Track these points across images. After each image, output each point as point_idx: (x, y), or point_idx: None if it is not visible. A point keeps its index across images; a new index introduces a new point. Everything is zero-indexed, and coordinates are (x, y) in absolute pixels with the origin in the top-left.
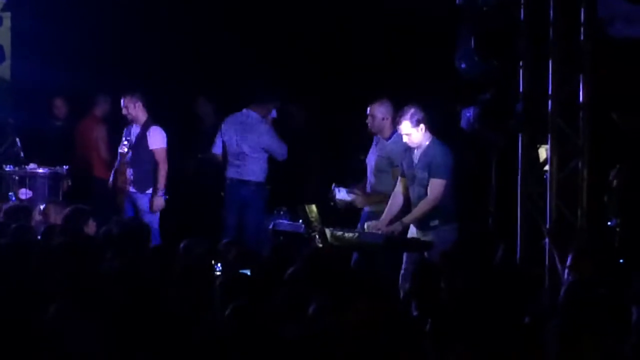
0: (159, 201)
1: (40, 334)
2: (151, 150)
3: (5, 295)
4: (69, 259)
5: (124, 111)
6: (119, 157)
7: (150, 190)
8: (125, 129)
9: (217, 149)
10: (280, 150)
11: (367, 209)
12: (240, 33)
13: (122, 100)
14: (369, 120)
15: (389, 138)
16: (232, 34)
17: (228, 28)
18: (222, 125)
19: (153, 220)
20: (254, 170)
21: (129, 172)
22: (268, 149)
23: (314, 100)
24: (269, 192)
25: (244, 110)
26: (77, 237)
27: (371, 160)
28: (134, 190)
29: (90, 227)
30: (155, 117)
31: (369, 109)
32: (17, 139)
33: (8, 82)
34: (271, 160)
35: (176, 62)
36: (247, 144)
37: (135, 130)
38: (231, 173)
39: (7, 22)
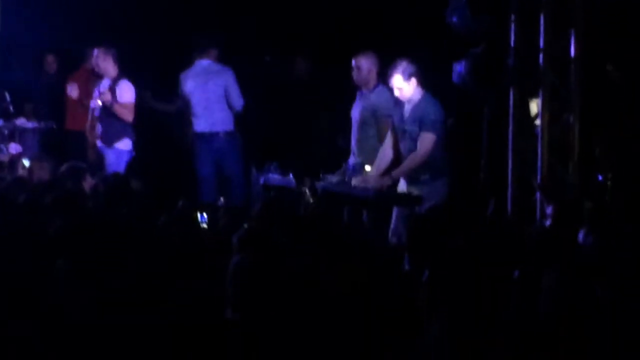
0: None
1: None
2: (119, 103)
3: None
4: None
5: (94, 64)
6: (90, 113)
7: (117, 145)
8: (96, 84)
9: (180, 106)
10: (238, 98)
11: (351, 160)
12: None
13: (94, 53)
14: (354, 72)
15: (372, 90)
16: None
17: None
18: (180, 82)
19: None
20: (222, 119)
21: (98, 127)
22: (229, 95)
23: (307, 53)
24: (252, 145)
25: (197, 62)
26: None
27: (355, 113)
28: (101, 144)
29: (88, 183)
30: (143, 72)
31: (354, 61)
32: (6, 93)
33: None
34: (263, 115)
35: (169, 12)
36: (212, 92)
37: (105, 84)
38: (199, 126)
39: None
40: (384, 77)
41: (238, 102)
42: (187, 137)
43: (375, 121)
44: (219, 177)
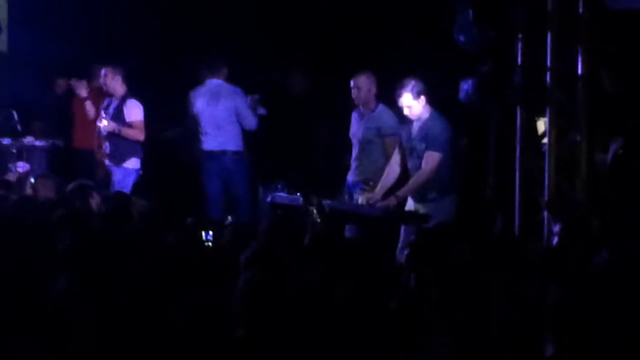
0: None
1: (46, 307)
2: (127, 123)
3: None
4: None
5: (102, 83)
6: (96, 131)
7: (125, 164)
8: (104, 102)
9: (188, 124)
10: (250, 117)
11: (351, 178)
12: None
13: (102, 72)
14: (354, 93)
15: (374, 109)
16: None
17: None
18: (189, 100)
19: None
20: (232, 138)
21: (106, 145)
22: (239, 114)
23: (313, 70)
24: (259, 163)
25: (207, 81)
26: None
27: (357, 133)
28: (110, 163)
29: (95, 201)
30: (151, 89)
31: (352, 81)
32: (14, 112)
33: (5, 54)
34: (268, 133)
35: (176, 33)
36: (222, 111)
37: (113, 103)
38: (208, 145)
39: None
40: (391, 95)
41: (251, 121)
42: (194, 155)
43: (381, 140)
44: (226, 196)
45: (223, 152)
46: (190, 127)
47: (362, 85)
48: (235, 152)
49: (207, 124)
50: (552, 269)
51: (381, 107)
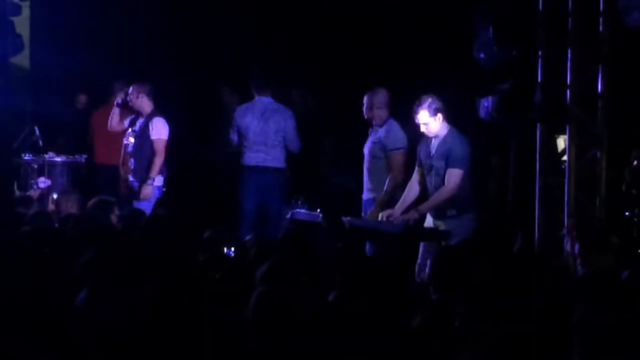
0: (147, 190)
1: (69, 320)
2: (151, 140)
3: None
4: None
5: (128, 99)
6: (123, 148)
7: (149, 181)
8: (130, 119)
9: (235, 139)
10: (297, 140)
11: (366, 196)
12: (257, 22)
13: (130, 90)
14: (365, 108)
15: (382, 124)
16: (250, 22)
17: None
18: (237, 114)
19: (145, 208)
20: (277, 156)
21: (131, 162)
22: (287, 135)
23: (330, 87)
24: (288, 180)
25: (257, 98)
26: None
27: (366, 150)
28: (133, 179)
29: (116, 217)
30: (175, 106)
31: (365, 97)
32: (36, 128)
33: (27, 70)
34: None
35: (199, 49)
36: (272, 129)
37: (140, 120)
38: (252, 160)
39: (25, 11)
40: (408, 113)
41: (296, 144)
42: (235, 169)
43: (385, 154)
44: (260, 212)
45: (266, 168)
46: (232, 141)
47: (373, 101)
48: (277, 169)
49: (255, 140)
50: (577, 286)
51: (389, 122)
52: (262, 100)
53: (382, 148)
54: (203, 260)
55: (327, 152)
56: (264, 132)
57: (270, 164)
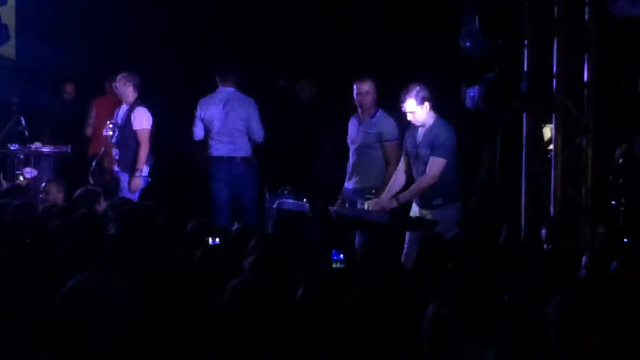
0: (137, 181)
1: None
2: (134, 130)
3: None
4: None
5: (114, 87)
6: (105, 138)
7: (137, 173)
8: (116, 110)
9: (198, 131)
10: (260, 130)
11: (350, 185)
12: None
13: (118, 77)
14: (359, 98)
15: (373, 115)
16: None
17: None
18: (200, 106)
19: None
20: (242, 146)
21: (115, 152)
22: (251, 125)
23: (320, 77)
24: (266, 169)
25: (220, 88)
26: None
27: (356, 139)
28: (118, 169)
29: (102, 207)
30: (159, 97)
31: (355, 86)
32: (22, 118)
33: (12, 60)
34: (276, 140)
35: (185, 40)
36: (236, 119)
37: (123, 110)
38: (219, 151)
39: (11, 1)
40: (395, 102)
41: (259, 133)
42: (202, 161)
43: (381, 145)
44: (233, 202)
45: (232, 158)
46: (194, 134)
47: (368, 90)
48: (243, 158)
49: (219, 131)
50: (553, 278)
51: (380, 113)
52: (225, 91)
53: (379, 139)
54: (189, 250)
55: (321, 145)
56: (228, 123)
57: (237, 153)
